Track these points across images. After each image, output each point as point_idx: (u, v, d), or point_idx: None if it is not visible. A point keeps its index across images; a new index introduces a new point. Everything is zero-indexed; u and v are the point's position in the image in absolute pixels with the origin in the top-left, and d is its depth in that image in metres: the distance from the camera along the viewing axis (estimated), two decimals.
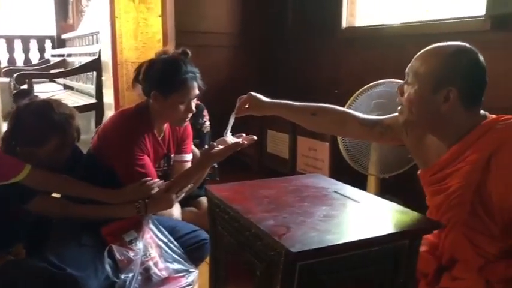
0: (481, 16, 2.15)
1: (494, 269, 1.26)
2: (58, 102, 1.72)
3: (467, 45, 1.28)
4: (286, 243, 0.85)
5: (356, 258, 0.92)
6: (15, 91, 4.32)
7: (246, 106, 1.60)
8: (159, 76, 1.70)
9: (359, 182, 2.46)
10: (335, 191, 1.17)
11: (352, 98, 2.25)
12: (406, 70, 1.33)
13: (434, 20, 2.50)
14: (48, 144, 1.66)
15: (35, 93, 3.22)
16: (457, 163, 1.27)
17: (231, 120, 1.61)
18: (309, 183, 1.24)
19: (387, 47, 2.68)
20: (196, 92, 1.75)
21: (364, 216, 1.04)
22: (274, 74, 3.78)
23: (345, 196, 1.14)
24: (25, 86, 4.09)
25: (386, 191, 2.47)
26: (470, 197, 1.23)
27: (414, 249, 0.99)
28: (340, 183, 1.27)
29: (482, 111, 1.31)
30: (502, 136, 1.22)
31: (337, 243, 0.87)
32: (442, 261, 1.36)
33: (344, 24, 3.05)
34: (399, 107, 1.36)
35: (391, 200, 2.29)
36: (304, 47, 3.46)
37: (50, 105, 1.67)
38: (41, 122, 1.64)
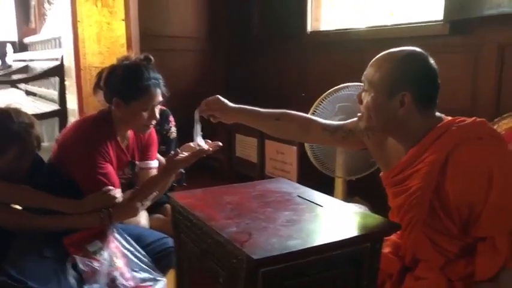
0: (440, 21, 2.21)
1: (455, 268, 1.30)
2: (16, 111, 1.67)
3: (417, 49, 1.32)
4: (248, 250, 0.85)
5: (319, 263, 0.92)
6: None
7: (211, 105, 1.59)
8: (121, 83, 1.67)
9: (327, 184, 2.50)
10: (299, 196, 1.18)
11: (317, 101, 2.28)
12: (362, 78, 1.36)
13: (397, 25, 2.57)
14: (6, 154, 1.60)
15: None
16: (416, 164, 1.30)
17: (197, 120, 1.59)
18: (272, 188, 1.24)
19: (352, 51, 2.73)
20: (160, 98, 1.72)
21: (327, 220, 1.04)
22: (241, 78, 3.78)
23: (308, 200, 1.14)
24: None
25: (354, 192, 2.51)
26: (429, 197, 1.26)
27: (376, 252, 1.00)
28: (304, 187, 1.28)
29: (438, 114, 1.35)
30: (457, 137, 1.25)
31: (299, 248, 0.87)
32: (405, 261, 1.39)
33: (309, 28, 3.08)
34: (359, 114, 1.39)
35: (359, 202, 2.35)
36: (271, 51, 3.48)
37: (8, 114, 1.62)
38: None
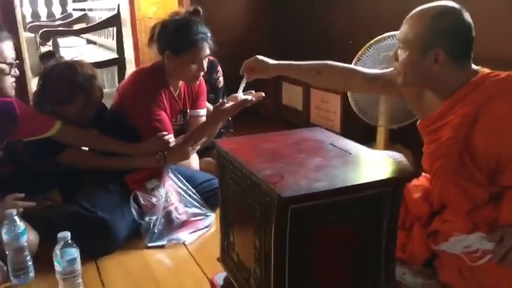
0: None
1: (481, 212, 1.38)
2: (81, 63, 1.87)
3: (450, 4, 1.32)
4: (279, 190, 0.98)
5: (342, 203, 1.05)
6: (40, 47, 4.49)
7: (252, 67, 1.67)
8: (171, 37, 1.81)
9: (370, 132, 2.57)
10: (331, 144, 1.28)
11: (361, 50, 2.29)
12: (397, 36, 1.40)
13: None
14: (74, 102, 1.82)
15: (60, 55, 3.35)
16: (449, 116, 1.36)
17: (243, 82, 1.70)
18: (307, 137, 1.35)
19: None
20: (207, 52, 1.85)
21: (353, 166, 1.15)
22: (289, 25, 3.78)
23: (339, 148, 1.25)
24: (50, 42, 4.22)
25: (396, 140, 2.57)
26: (459, 147, 1.33)
27: (397, 195, 1.10)
28: (337, 136, 1.38)
29: (475, 67, 1.37)
30: (489, 91, 1.29)
31: (324, 189, 0.99)
32: (433, 206, 1.49)
33: None
34: (395, 71, 1.44)
35: (401, 150, 2.40)
36: None
37: (74, 67, 1.82)
38: (66, 83, 1.79)
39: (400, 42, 1.38)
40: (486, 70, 1.37)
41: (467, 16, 1.31)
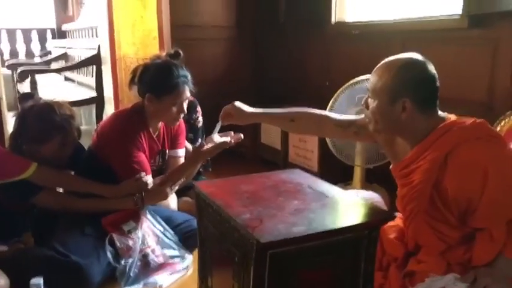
0: (459, 15, 2.25)
1: (454, 253, 1.41)
2: (59, 104, 1.87)
3: (415, 56, 1.39)
4: (257, 235, 0.99)
5: (320, 247, 1.06)
6: (18, 84, 4.45)
7: (230, 114, 1.69)
8: (153, 80, 1.84)
9: (347, 171, 2.62)
10: (309, 186, 1.31)
11: (337, 93, 2.37)
12: (367, 86, 1.46)
13: (418, 18, 2.60)
14: (51, 142, 1.81)
15: (39, 96, 3.34)
16: (419, 161, 1.41)
17: (218, 124, 1.73)
18: (286, 179, 1.38)
19: (374, 43, 2.79)
20: (187, 94, 1.88)
21: (330, 209, 1.17)
22: (268, 67, 3.89)
23: (317, 191, 1.27)
24: (28, 80, 4.20)
25: (373, 179, 2.62)
26: (429, 191, 1.37)
27: (373, 238, 1.12)
28: (314, 178, 1.41)
29: (442, 114, 1.43)
30: (457, 137, 1.34)
31: (302, 234, 1.01)
32: (408, 247, 1.51)
33: (334, 19, 3.15)
34: (367, 119, 1.49)
35: (377, 189, 2.44)
36: (297, 40, 3.56)
37: (52, 107, 1.82)
38: (44, 123, 1.79)
39: (370, 91, 1.44)
40: (453, 116, 1.43)
41: (431, 67, 1.38)
